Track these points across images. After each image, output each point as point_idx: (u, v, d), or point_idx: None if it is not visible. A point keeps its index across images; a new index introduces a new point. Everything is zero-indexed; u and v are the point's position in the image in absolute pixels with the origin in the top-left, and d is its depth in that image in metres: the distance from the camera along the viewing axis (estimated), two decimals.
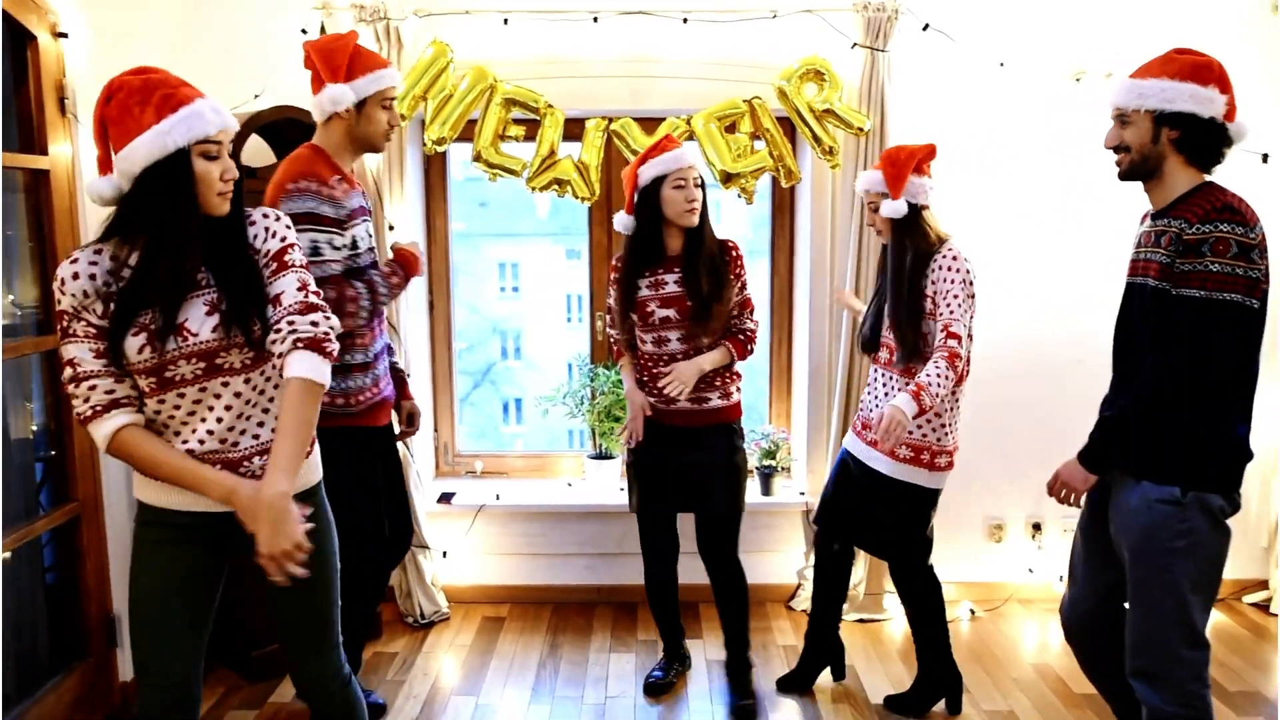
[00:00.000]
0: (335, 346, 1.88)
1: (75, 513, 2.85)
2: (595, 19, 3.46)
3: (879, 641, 3.55)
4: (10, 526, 2.71)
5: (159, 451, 1.84)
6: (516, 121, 3.45)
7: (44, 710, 2.72)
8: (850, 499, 2.95)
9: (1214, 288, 2.02)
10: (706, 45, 3.53)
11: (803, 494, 3.87)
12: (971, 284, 2.75)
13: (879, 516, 2.90)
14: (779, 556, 3.87)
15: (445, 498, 3.83)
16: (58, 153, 2.76)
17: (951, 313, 2.69)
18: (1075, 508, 2.32)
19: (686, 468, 2.91)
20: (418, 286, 3.89)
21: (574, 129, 3.49)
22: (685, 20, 3.47)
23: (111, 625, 2.97)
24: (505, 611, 3.80)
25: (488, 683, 3.23)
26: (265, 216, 1.95)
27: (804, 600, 3.81)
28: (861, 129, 3.46)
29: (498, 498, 3.83)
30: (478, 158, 3.44)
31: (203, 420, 1.89)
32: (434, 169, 3.94)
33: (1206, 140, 2.12)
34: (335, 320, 1.90)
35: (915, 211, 2.80)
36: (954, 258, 2.74)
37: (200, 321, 1.83)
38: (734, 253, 2.92)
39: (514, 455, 4.22)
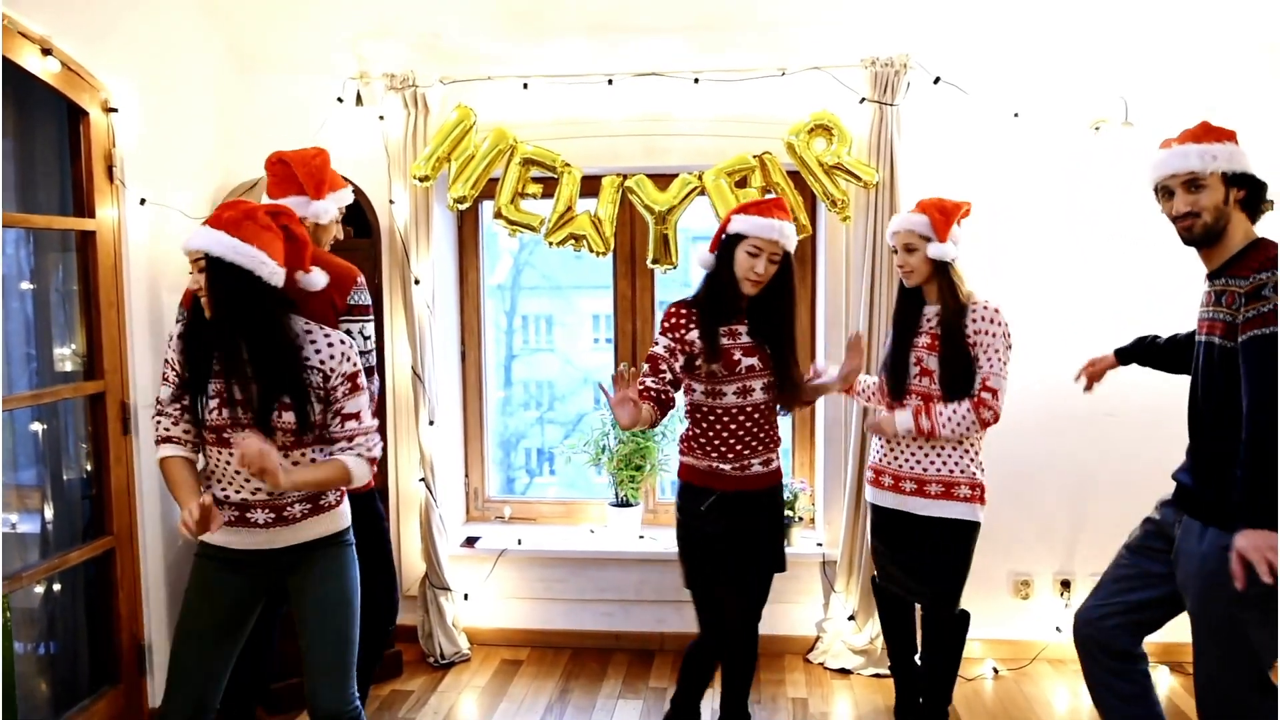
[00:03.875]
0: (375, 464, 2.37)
1: (110, 546, 3.07)
2: (610, 81, 3.62)
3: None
4: (51, 556, 2.95)
5: (173, 476, 2.28)
6: (535, 180, 3.62)
7: None
8: (893, 551, 3.01)
9: (1274, 323, 2.08)
10: (717, 103, 3.64)
11: (820, 545, 3.85)
12: (1009, 338, 2.87)
13: (933, 560, 2.92)
14: (796, 608, 3.84)
15: (469, 541, 3.96)
16: (104, 215, 3.04)
17: (992, 367, 2.84)
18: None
19: (747, 533, 2.76)
20: (450, 337, 4.06)
21: (590, 186, 3.63)
22: (696, 80, 3.59)
23: (142, 653, 3.17)
24: (524, 655, 3.87)
25: None
26: (342, 342, 2.28)
27: (822, 653, 3.76)
28: (870, 182, 3.49)
29: (519, 543, 3.93)
30: (498, 214, 3.61)
31: (247, 480, 2.23)
32: (466, 224, 4.14)
33: (1261, 197, 2.27)
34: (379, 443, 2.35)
35: (948, 262, 2.90)
36: (996, 310, 2.87)
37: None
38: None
39: (542, 502, 4.33)
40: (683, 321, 2.71)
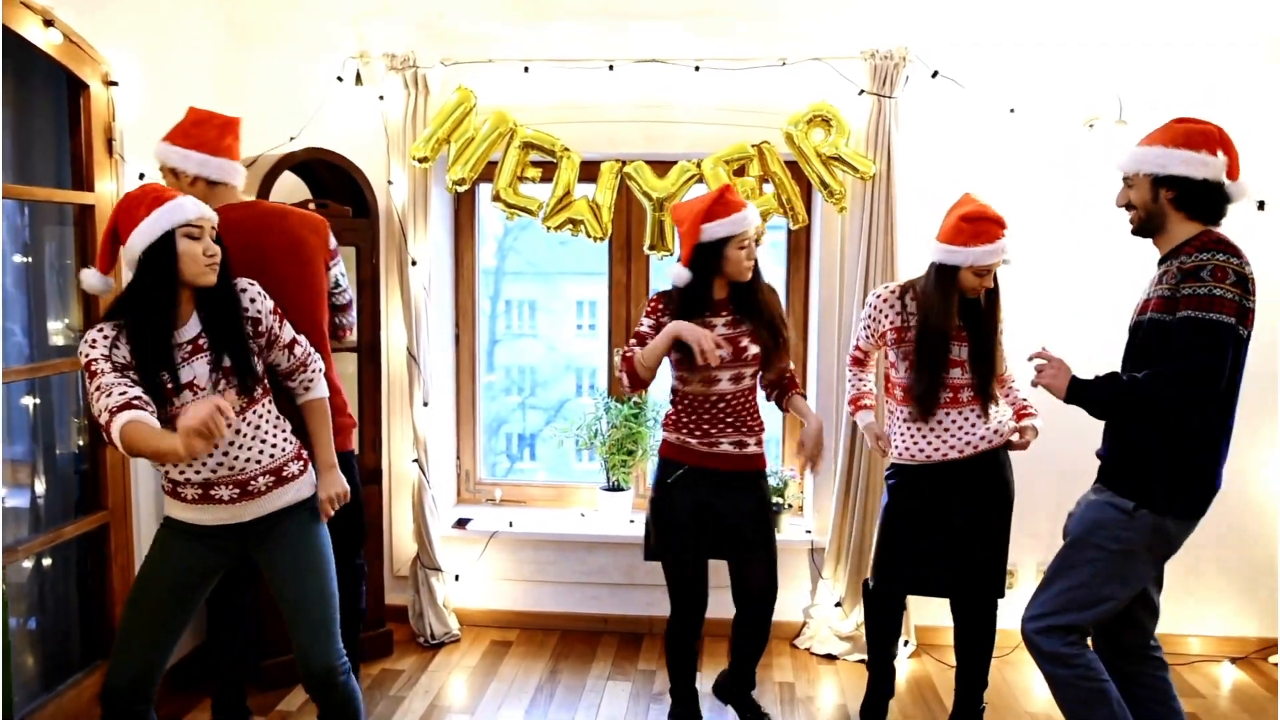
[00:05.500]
0: None
1: (104, 520, 3.07)
2: (611, 67, 3.63)
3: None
4: (45, 530, 2.94)
5: (150, 436, 1.95)
6: (534, 164, 3.62)
7: (63, 705, 2.92)
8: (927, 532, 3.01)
9: (1215, 309, 2.20)
10: (718, 92, 3.66)
11: (809, 532, 3.89)
12: None
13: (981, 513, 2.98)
14: (784, 594, 3.77)
15: (461, 523, 3.98)
16: (103, 189, 3.02)
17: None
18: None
19: (721, 513, 2.86)
20: (444, 320, 4.07)
21: (589, 171, 3.64)
22: (697, 68, 3.61)
23: None
24: (514, 636, 3.90)
25: (484, 704, 3.33)
26: (251, 285, 2.36)
27: (809, 639, 3.82)
28: (867, 174, 3.52)
29: (510, 525, 3.95)
30: (496, 197, 3.61)
31: (210, 455, 2.26)
32: (463, 208, 4.14)
33: (1203, 199, 2.34)
34: None
35: None
36: None
37: (206, 377, 2.24)
38: (775, 295, 2.96)
39: (533, 485, 4.35)
40: (661, 307, 2.90)
